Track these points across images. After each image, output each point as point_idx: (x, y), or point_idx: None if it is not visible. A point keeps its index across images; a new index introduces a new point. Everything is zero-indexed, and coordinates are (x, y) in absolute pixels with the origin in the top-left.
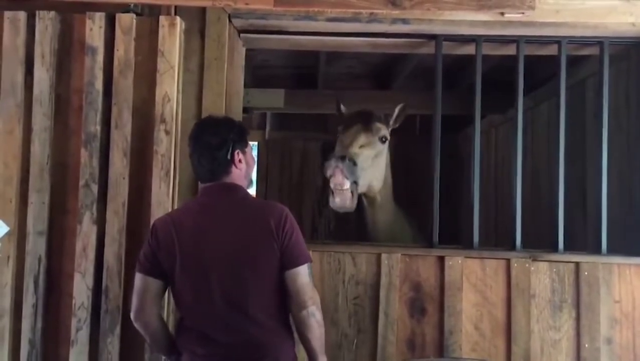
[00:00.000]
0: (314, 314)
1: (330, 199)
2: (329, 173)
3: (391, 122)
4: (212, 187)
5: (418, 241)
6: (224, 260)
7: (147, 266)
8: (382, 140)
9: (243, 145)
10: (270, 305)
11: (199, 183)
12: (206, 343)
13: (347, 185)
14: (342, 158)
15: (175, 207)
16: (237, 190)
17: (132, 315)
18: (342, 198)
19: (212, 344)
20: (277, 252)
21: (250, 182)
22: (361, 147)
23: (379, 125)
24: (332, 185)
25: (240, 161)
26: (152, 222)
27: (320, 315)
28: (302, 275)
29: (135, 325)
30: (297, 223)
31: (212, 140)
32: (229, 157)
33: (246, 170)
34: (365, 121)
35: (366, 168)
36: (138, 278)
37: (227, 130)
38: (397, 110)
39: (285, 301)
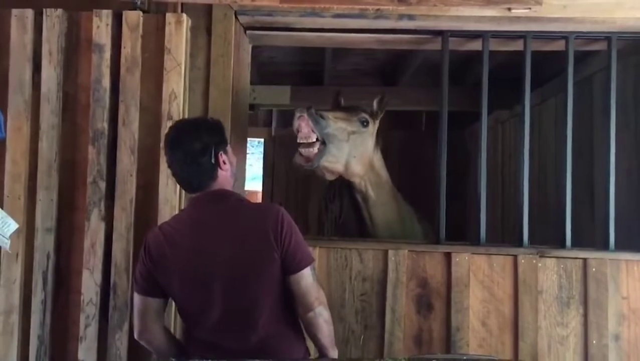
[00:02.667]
0: (321, 314)
1: (295, 156)
2: (295, 126)
3: (374, 114)
4: (201, 197)
5: (430, 237)
6: (225, 274)
7: (145, 286)
8: (363, 122)
9: (224, 145)
10: (277, 309)
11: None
12: (215, 350)
13: (314, 138)
14: (308, 108)
15: (182, 204)
16: (228, 198)
17: (135, 335)
18: (306, 153)
19: (221, 351)
20: (278, 259)
21: (236, 178)
22: (336, 117)
23: (361, 111)
24: (298, 140)
25: (224, 162)
26: (159, 218)
27: (328, 313)
28: (306, 277)
29: (140, 342)
30: (294, 221)
31: (193, 146)
32: (213, 161)
33: (231, 170)
34: (348, 107)
35: (339, 138)
36: (137, 298)
37: (207, 133)
38: (375, 102)
39: (291, 302)
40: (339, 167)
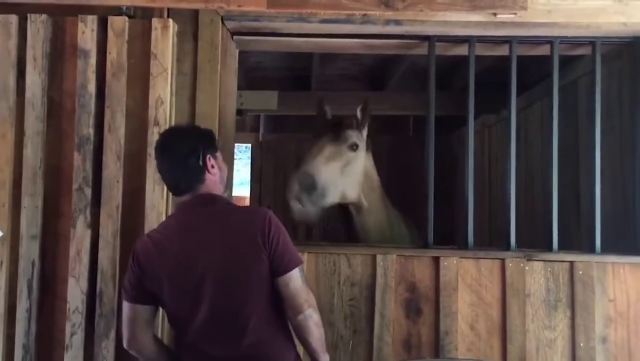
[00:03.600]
0: (311, 316)
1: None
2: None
3: (360, 124)
4: (188, 202)
5: (417, 242)
6: (213, 278)
7: (134, 294)
8: (353, 147)
9: (213, 150)
10: (266, 314)
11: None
12: (205, 357)
13: (311, 211)
14: (299, 200)
15: (169, 209)
16: (215, 202)
17: (125, 344)
18: (302, 217)
19: (212, 358)
20: (266, 261)
21: (226, 186)
22: (327, 158)
23: (349, 132)
24: (295, 217)
25: (212, 166)
26: (146, 224)
27: (318, 316)
28: (294, 279)
29: (130, 352)
30: (283, 225)
31: (181, 148)
32: (200, 163)
33: (220, 175)
34: (335, 130)
35: (334, 180)
36: (126, 306)
37: (194, 137)
38: (358, 112)
39: (281, 307)
40: (333, 201)
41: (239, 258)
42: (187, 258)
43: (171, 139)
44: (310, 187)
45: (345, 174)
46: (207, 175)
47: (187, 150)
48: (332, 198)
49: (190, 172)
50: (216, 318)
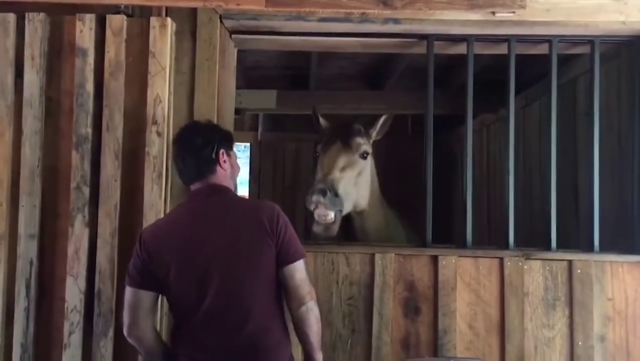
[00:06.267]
0: (312, 309)
1: (314, 225)
2: (311, 207)
3: (373, 134)
4: (200, 190)
5: (413, 242)
6: (222, 262)
7: (138, 279)
8: (363, 156)
9: (228, 147)
10: (269, 304)
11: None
12: (204, 348)
13: (331, 215)
14: (323, 192)
15: (168, 208)
16: (226, 192)
17: (125, 331)
18: (325, 227)
19: (211, 349)
20: (274, 248)
21: (236, 186)
22: (342, 169)
23: (359, 140)
24: (315, 217)
25: (225, 161)
26: (144, 223)
27: (318, 311)
28: (300, 270)
29: (129, 340)
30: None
31: (196, 139)
32: (213, 155)
33: (231, 172)
34: (344, 137)
35: (349, 191)
36: (129, 292)
37: (211, 131)
38: (380, 121)
39: (282, 301)
40: (347, 211)
41: (246, 242)
42: (196, 242)
43: (189, 132)
44: (334, 203)
45: (358, 183)
46: (218, 168)
47: (202, 142)
48: (346, 209)
49: (203, 161)
50: (221, 301)
